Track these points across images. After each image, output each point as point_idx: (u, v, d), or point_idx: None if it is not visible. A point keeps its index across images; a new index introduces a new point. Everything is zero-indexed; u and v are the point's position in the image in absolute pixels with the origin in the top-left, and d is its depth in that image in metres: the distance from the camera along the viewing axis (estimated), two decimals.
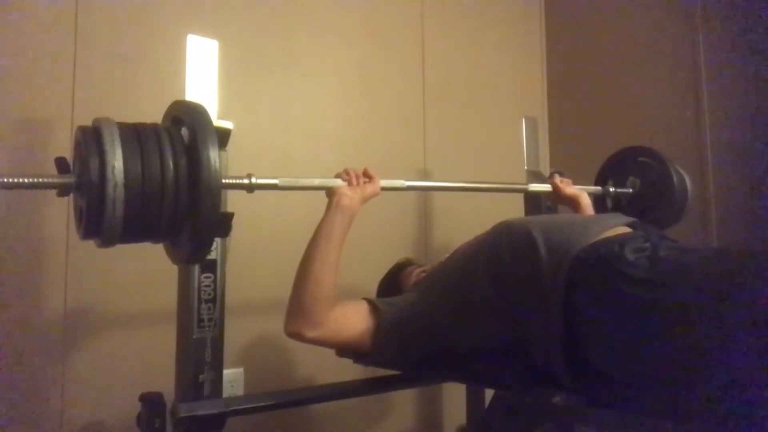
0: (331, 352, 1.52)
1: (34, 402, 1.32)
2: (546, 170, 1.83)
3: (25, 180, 0.85)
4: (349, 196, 1.12)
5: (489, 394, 1.19)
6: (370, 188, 1.16)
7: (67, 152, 1.43)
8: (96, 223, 0.84)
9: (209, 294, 1.14)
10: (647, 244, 0.92)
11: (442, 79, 2.13)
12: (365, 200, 1.16)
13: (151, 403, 1.11)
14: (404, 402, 1.91)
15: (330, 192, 1.14)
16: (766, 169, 1.68)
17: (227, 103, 1.26)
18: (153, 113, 1.49)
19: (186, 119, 0.93)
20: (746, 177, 1.74)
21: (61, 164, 0.90)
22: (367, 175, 1.18)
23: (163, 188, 0.86)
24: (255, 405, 1.19)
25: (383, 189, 1.20)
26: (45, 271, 1.36)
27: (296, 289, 1.06)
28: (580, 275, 0.91)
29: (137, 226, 0.86)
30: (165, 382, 1.16)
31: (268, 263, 1.59)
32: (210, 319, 1.13)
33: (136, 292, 1.43)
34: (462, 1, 2.25)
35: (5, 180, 0.83)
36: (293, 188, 1.12)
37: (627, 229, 1.02)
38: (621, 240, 0.93)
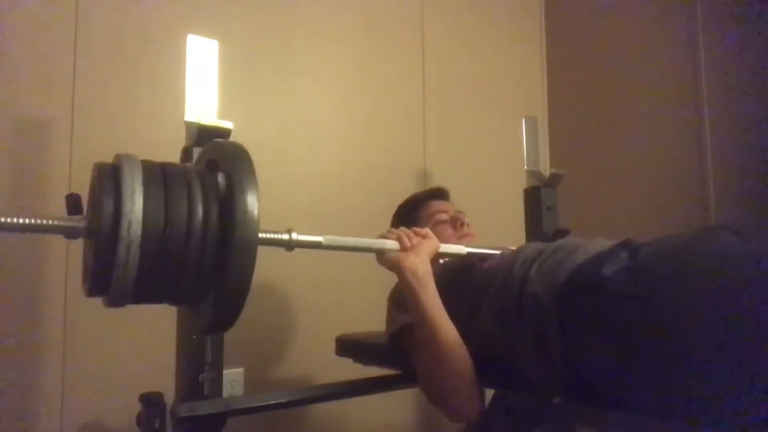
0: (331, 351, 1.52)
1: (34, 402, 1.32)
2: (546, 170, 1.83)
3: (27, 221, 0.75)
4: (418, 262, 1.03)
5: (489, 394, 1.19)
6: (431, 245, 1.08)
7: (66, 152, 1.45)
8: (103, 281, 0.72)
9: None
10: (624, 254, 0.90)
11: (442, 79, 2.13)
12: (431, 259, 1.07)
13: (151, 403, 1.11)
14: (404, 402, 1.91)
15: (395, 266, 1.05)
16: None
17: (227, 103, 1.26)
18: (153, 113, 1.50)
19: (223, 163, 0.83)
20: (746, 170, 1.74)
21: (72, 203, 0.79)
22: (419, 234, 1.10)
23: (188, 243, 0.74)
24: (255, 405, 1.19)
25: (441, 255, 1.10)
26: (45, 271, 1.36)
27: (438, 379, 1.01)
28: (568, 305, 0.89)
29: (152, 287, 0.75)
30: (165, 382, 1.16)
31: (268, 263, 1.59)
32: None
33: None
34: (462, 1, 2.25)
35: (3, 220, 0.73)
36: (338, 248, 1.00)
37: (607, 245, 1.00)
38: (598, 258, 0.92)
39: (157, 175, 0.76)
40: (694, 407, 0.78)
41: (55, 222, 0.76)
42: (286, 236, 0.91)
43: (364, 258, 1.65)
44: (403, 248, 1.06)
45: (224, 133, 1.12)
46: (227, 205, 0.76)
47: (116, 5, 1.49)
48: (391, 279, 1.16)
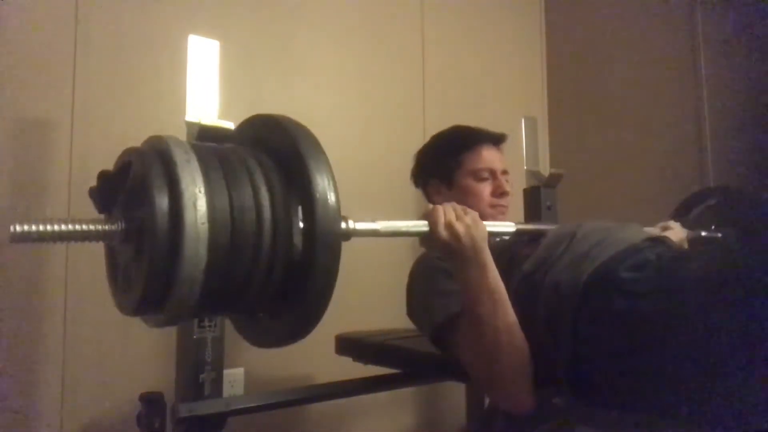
0: (331, 351, 1.52)
1: (34, 402, 1.32)
2: (546, 170, 1.83)
3: (46, 228, 0.61)
4: (478, 241, 0.91)
5: None
6: (483, 226, 0.94)
7: (66, 152, 1.45)
8: (158, 293, 0.59)
9: None
10: (651, 255, 0.91)
11: (442, 79, 2.13)
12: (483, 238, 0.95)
13: (151, 403, 1.11)
14: (404, 402, 1.91)
15: (452, 247, 0.92)
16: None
17: (228, 103, 1.26)
18: (154, 113, 1.50)
19: (279, 142, 0.71)
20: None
21: (103, 198, 0.65)
22: (469, 214, 0.96)
23: (260, 242, 0.61)
24: (255, 405, 1.19)
25: (490, 234, 0.98)
26: (45, 271, 1.36)
27: (490, 364, 0.92)
28: (585, 301, 0.90)
29: (220, 298, 0.62)
30: (165, 382, 1.16)
31: None
32: (210, 319, 1.13)
33: None
34: (462, 1, 2.25)
35: (17, 230, 0.60)
36: (393, 234, 0.90)
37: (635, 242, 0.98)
38: (623, 254, 0.92)
39: (212, 158, 0.63)
40: (695, 409, 0.78)
41: (89, 227, 0.63)
42: (343, 225, 0.77)
43: (364, 257, 1.64)
44: (452, 227, 0.91)
45: (225, 133, 1.12)
46: (299, 188, 0.64)
47: (116, 5, 1.49)
48: (390, 276, 1.15)
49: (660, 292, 0.83)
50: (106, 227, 0.64)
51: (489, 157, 1.29)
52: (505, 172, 1.29)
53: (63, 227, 0.61)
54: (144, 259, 0.59)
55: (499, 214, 1.25)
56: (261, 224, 0.62)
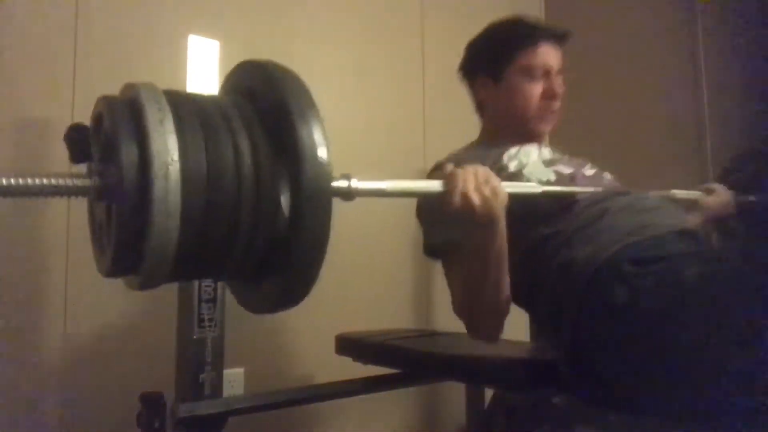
0: (331, 351, 1.52)
1: (34, 402, 1.32)
2: None
3: (14, 182, 0.58)
4: (494, 208, 0.85)
5: (489, 393, 1.19)
6: (502, 192, 0.87)
7: (66, 152, 1.44)
8: (130, 256, 0.56)
9: (209, 294, 1.14)
10: (666, 252, 0.88)
11: (442, 79, 2.13)
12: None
13: (151, 403, 1.11)
14: (404, 402, 1.91)
15: (466, 211, 0.85)
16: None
17: None
18: None
19: (266, 89, 0.65)
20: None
21: (76, 144, 0.61)
22: (486, 177, 0.87)
23: (239, 196, 0.56)
24: (255, 405, 1.19)
25: (512, 197, 0.90)
26: (45, 271, 1.36)
27: (471, 302, 0.97)
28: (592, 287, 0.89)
29: (197, 258, 0.58)
30: (165, 382, 1.16)
31: None
32: (210, 319, 1.13)
33: (137, 292, 1.43)
34: (462, 1, 2.25)
35: None
36: (401, 194, 0.84)
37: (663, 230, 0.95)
38: (634, 247, 0.90)
39: (188, 107, 0.58)
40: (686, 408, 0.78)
41: (55, 181, 0.59)
42: (344, 183, 0.68)
43: (364, 257, 1.64)
44: (467, 197, 0.84)
45: None
46: (285, 143, 0.58)
47: (116, 5, 1.49)
48: (390, 277, 1.16)
49: (661, 289, 0.82)
50: (78, 182, 0.59)
51: (546, 54, 1.18)
52: (560, 73, 1.19)
53: (33, 181, 0.59)
54: (114, 219, 0.56)
55: (547, 119, 1.18)
56: (241, 183, 0.57)
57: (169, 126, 0.54)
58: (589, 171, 1.15)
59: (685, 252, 0.90)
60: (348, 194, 0.70)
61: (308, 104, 0.62)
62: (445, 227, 1.03)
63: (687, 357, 0.77)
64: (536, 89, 1.16)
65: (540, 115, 1.18)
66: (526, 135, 1.20)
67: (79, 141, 0.61)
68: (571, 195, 1.00)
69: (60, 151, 1.38)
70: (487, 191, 0.84)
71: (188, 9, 1.58)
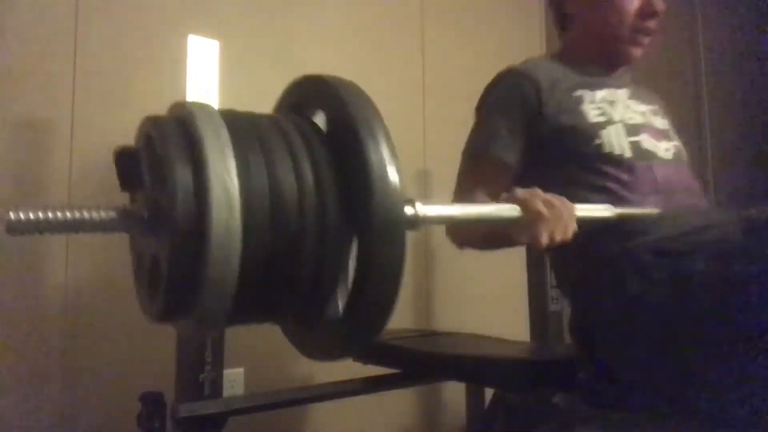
0: None
1: (34, 402, 1.32)
2: None
3: (51, 215, 0.50)
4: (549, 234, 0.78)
5: (489, 393, 1.19)
6: (572, 218, 0.80)
7: (66, 152, 1.45)
8: (186, 293, 0.49)
9: None
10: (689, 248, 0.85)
11: (442, 79, 2.13)
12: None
13: (151, 403, 1.11)
14: (404, 402, 1.91)
15: (534, 242, 0.80)
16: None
17: (227, 104, 1.26)
18: (154, 113, 1.49)
19: (326, 104, 0.60)
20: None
21: (130, 172, 0.54)
22: (556, 203, 0.81)
23: (303, 226, 0.50)
24: (255, 405, 1.19)
25: (580, 219, 0.83)
26: (45, 271, 1.36)
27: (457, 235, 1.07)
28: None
29: (261, 294, 0.52)
30: (165, 382, 1.16)
31: None
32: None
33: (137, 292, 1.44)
34: (462, 1, 2.25)
35: (17, 218, 0.49)
36: (469, 221, 0.77)
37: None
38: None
39: (245, 127, 0.52)
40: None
41: (103, 215, 0.50)
42: (409, 210, 0.59)
43: None
44: (542, 233, 0.77)
45: None
46: (352, 167, 0.51)
47: (116, 5, 1.49)
48: None
49: (671, 281, 0.81)
50: (124, 214, 0.51)
51: None
52: None
53: (71, 215, 0.50)
54: (166, 255, 0.49)
55: (640, 41, 1.10)
56: (305, 212, 0.50)
57: (228, 149, 0.48)
58: (660, 122, 1.13)
59: (707, 247, 0.87)
60: (413, 223, 0.60)
61: (377, 123, 0.54)
62: (489, 138, 1.08)
63: (690, 354, 0.77)
64: (632, 4, 1.07)
65: (633, 36, 1.09)
66: (613, 58, 1.15)
67: (131, 166, 0.54)
68: (646, 217, 0.93)
69: (59, 152, 1.39)
70: (559, 235, 0.79)
71: (188, 9, 1.59)
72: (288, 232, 0.50)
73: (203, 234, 0.46)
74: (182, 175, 0.47)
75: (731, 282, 0.78)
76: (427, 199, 1.92)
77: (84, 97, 1.42)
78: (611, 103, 1.08)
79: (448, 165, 2.08)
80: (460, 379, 1.42)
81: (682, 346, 0.78)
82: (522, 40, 2.42)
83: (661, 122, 1.14)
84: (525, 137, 1.06)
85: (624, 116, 1.06)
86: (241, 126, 0.53)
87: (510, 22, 2.38)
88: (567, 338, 1.67)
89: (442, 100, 2.11)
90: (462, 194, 1.10)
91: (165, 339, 1.20)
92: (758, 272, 0.75)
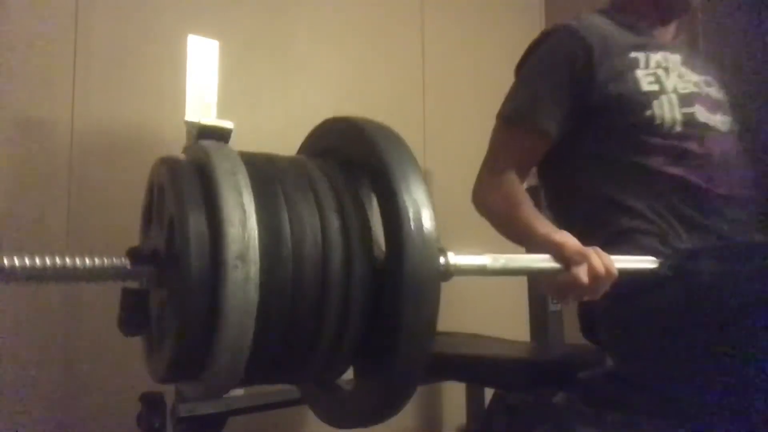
0: None
1: (34, 402, 1.32)
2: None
3: (49, 263, 0.47)
4: (584, 285, 0.73)
5: (489, 393, 1.19)
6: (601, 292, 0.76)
7: (66, 152, 1.45)
8: (196, 353, 0.44)
9: None
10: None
11: (442, 79, 2.13)
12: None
13: (151, 403, 1.11)
14: None
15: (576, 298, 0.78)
16: None
17: (227, 103, 1.26)
18: (154, 113, 1.50)
19: (356, 149, 0.56)
20: None
21: (135, 313, 0.51)
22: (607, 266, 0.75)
23: (326, 284, 0.46)
24: (255, 405, 1.19)
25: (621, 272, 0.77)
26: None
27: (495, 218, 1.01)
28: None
29: (278, 357, 0.47)
30: None
31: None
32: None
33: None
34: (462, 1, 2.25)
35: (12, 265, 0.47)
36: (508, 272, 0.69)
37: None
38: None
39: (267, 171, 0.48)
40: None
41: (109, 263, 0.48)
42: (441, 260, 0.55)
43: None
44: (579, 285, 0.73)
45: (225, 133, 1.12)
46: (385, 215, 0.48)
47: (116, 5, 1.49)
48: None
49: (676, 284, 0.80)
50: (133, 265, 0.48)
51: None
52: None
53: (72, 263, 0.46)
54: (175, 311, 0.44)
55: None
56: (328, 264, 0.45)
57: (248, 196, 0.43)
58: (715, 93, 1.06)
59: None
60: (444, 275, 0.56)
61: (410, 162, 0.52)
62: (528, 101, 1.02)
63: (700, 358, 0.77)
64: None
65: None
66: (667, 8, 1.09)
67: (136, 306, 0.48)
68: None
69: (59, 152, 1.39)
70: (589, 298, 0.76)
71: (188, 9, 1.58)
72: (310, 288, 0.45)
73: (219, 292, 0.42)
74: (196, 223, 0.42)
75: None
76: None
77: (84, 97, 1.42)
78: (665, 69, 1.01)
79: (449, 165, 2.09)
80: (460, 379, 1.42)
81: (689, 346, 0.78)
82: (522, 40, 2.41)
83: (716, 93, 1.07)
84: (569, 105, 0.98)
85: (677, 85, 1.00)
86: (261, 169, 0.49)
87: (510, 22, 2.38)
88: (567, 338, 1.68)
89: (442, 100, 2.11)
90: (492, 165, 1.05)
91: None
92: None
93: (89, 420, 1.36)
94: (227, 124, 1.13)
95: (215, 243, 0.42)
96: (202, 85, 1.16)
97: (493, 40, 2.31)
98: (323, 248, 0.47)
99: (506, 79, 2.45)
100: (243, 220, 0.42)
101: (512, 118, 1.05)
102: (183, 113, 1.14)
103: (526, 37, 2.50)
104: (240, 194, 0.43)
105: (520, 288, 1.83)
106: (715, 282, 0.77)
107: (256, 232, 0.42)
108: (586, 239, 0.78)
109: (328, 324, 0.47)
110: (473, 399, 1.69)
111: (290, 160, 0.56)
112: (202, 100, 1.14)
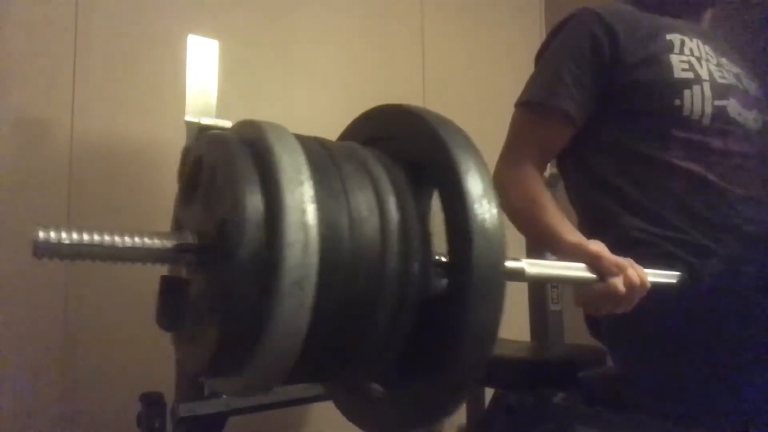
0: None
1: (34, 402, 1.32)
2: (546, 171, 1.83)
3: (87, 238, 0.43)
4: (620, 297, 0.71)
5: (489, 393, 1.19)
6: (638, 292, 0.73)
7: (66, 152, 1.45)
8: (243, 344, 0.41)
9: None
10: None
11: (442, 79, 2.13)
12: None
13: (151, 403, 1.11)
14: None
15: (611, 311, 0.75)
16: None
17: (227, 103, 1.26)
18: (153, 113, 1.50)
19: (411, 139, 0.52)
20: None
21: (173, 306, 0.46)
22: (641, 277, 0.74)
23: (383, 274, 0.43)
24: (255, 405, 1.19)
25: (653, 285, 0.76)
26: (45, 271, 1.36)
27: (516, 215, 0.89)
28: None
29: (330, 353, 0.45)
30: (165, 382, 1.16)
31: None
32: None
33: (137, 291, 1.43)
34: (462, 1, 2.25)
35: (44, 238, 0.41)
36: (543, 279, 0.68)
37: None
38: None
39: (323, 156, 0.46)
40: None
41: (153, 242, 0.44)
42: (512, 264, 0.54)
43: None
44: (615, 296, 0.71)
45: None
46: (447, 211, 0.45)
47: (116, 5, 1.49)
48: None
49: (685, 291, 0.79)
50: (172, 242, 0.44)
51: None
52: None
53: (111, 239, 0.42)
54: (221, 296, 0.41)
55: None
56: (386, 253, 0.42)
57: (306, 176, 0.40)
58: (755, 89, 1.00)
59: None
60: (517, 275, 0.56)
61: (476, 156, 0.47)
62: (550, 85, 0.94)
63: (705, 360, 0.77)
64: None
65: None
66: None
67: (178, 297, 0.45)
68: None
69: (59, 152, 1.39)
70: (631, 304, 0.74)
71: (188, 9, 1.58)
72: (367, 278, 0.42)
73: (272, 274, 0.38)
74: (252, 201, 0.39)
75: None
76: None
77: (84, 97, 1.42)
78: (699, 58, 0.94)
79: None
80: None
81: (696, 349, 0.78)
82: (522, 39, 2.42)
83: (755, 89, 1.00)
84: (592, 88, 0.93)
85: (714, 74, 0.94)
86: (315, 151, 0.46)
87: (510, 22, 2.38)
88: (567, 338, 1.68)
89: (442, 100, 2.11)
90: (510, 156, 0.99)
91: (165, 339, 1.20)
92: None
93: (89, 420, 1.36)
94: (227, 123, 1.13)
95: (272, 227, 0.39)
96: (202, 85, 1.16)
97: (493, 40, 2.31)
98: (382, 241, 0.44)
99: (506, 79, 2.44)
100: (302, 203, 0.39)
101: (532, 103, 0.98)
102: (183, 113, 1.14)
103: (526, 37, 2.51)
104: (299, 175, 0.41)
105: (520, 287, 1.83)
106: (719, 284, 0.77)
107: (316, 216, 0.40)
108: (596, 236, 0.77)
109: (382, 320, 0.44)
110: (473, 399, 1.69)
111: (342, 145, 0.53)
112: (202, 100, 1.14)
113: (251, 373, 0.43)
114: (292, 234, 0.38)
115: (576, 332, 1.12)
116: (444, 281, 0.46)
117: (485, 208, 0.44)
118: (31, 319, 1.33)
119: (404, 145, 0.53)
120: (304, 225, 0.39)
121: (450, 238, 0.46)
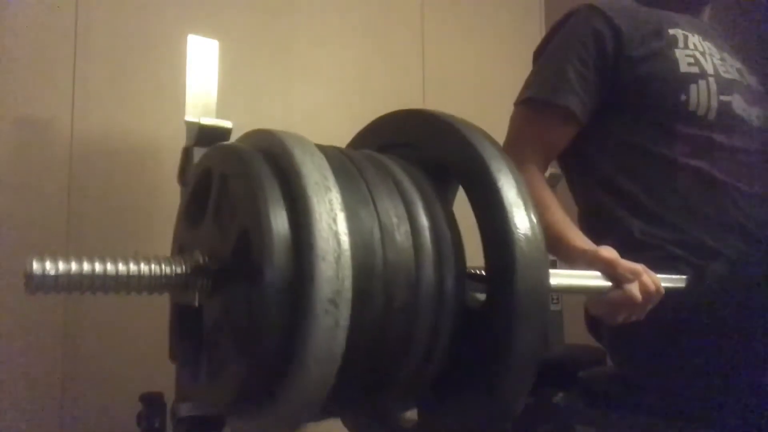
0: None
1: (33, 402, 1.32)
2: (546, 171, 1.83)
3: (86, 269, 0.42)
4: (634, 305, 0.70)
5: None
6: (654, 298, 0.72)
7: (66, 152, 1.45)
8: (267, 376, 0.36)
9: None
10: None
11: (442, 79, 2.13)
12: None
13: (151, 403, 1.11)
14: None
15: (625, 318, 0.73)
16: None
17: (227, 103, 1.26)
18: (153, 113, 1.50)
19: (437, 147, 0.49)
20: None
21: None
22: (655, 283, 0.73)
23: (418, 292, 0.39)
24: None
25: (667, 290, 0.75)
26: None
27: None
28: None
29: (365, 380, 0.40)
30: (165, 382, 1.16)
31: None
32: None
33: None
34: (462, 1, 2.25)
35: (38, 270, 0.41)
36: (561, 290, 0.65)
37: None
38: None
39: (343, 161, 0.43)
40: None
41: (156, 268, 0.39)
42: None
43: None
44: (630, 303, 0.69)
45: (224, 132, 1.12)
46: (485, 224, 0.42)
47: (116, 5, 1.49)
48: None
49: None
50: (181, 267, 0.39)
51: None
52: None
53: (113, 268, 0.39)
54: (246, 322, 0.36)
55: None
56: (421, 263, 0.39)
57: (335, 191, 0.36)
58: (756, 84, 0.99)
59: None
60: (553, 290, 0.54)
61: (509, 165, 0.44)
62: (553, 80, 0.92)
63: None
64: None
65: None
66: None
67: (193, 327, 0.40)
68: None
69: (59, 152, 1.39)
70: (646, 310, 0.72)
71: (187, 9, 1.58)
72: (404, 291, 0.38)
73: (303, 290, 0.34)
74: (276, 209, 0.35)
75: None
76: None
77: (84, 97, 1.42)
78: (702, 53, 0.94)
79: None
80: None
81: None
82: (522, 39, 2.42)
83: (757, 84, 1.00)
84: (595, 84, 0.91)
85: (719, 69, 0.93)
86: (335, 156, 0.43)
87: (510, 22, 2.38)
88: (567, 338, 1.68)
89: (442, 100, 2.11)
90: (510, 156, 0.98)
91: (165, 339, 1.20)
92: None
93: (89, 420, 1.36)
94: (227, 124, 1.13)
95: (300, 247, 0.35)
96: (202, 85, 1.16)
97: (493, 40, 2.31)
98: (415, 253, 0.41)
99: (506, 79, 2.44)
100: (332, 220, 0.35)
101: (534, 100, 0.95)
102: (183, 113, 1.13)
103: (526, 37, 2.50)
104: (327, 191, 0.36)
105: None
106: (723, 286, 0.77)
107: (347, 234, 0.36)
108: (598, 236, 0.76)
109: (421, 343, 0.41)
110: None
111: (365, 155, 0.49)
112: (202, 100, 1.14)
113: (282, 406, 0.37)
114: (323, 244, 0.34)
115: (576, 332, 1.12)
116: (481, 295, 0.43)
117: (524, 218, 0.41)
118: (31, 318, 1.33)
119: (425, 152, 0.50)
120: (336, 234, 0.34)
121: (487, 249, 0.43)
